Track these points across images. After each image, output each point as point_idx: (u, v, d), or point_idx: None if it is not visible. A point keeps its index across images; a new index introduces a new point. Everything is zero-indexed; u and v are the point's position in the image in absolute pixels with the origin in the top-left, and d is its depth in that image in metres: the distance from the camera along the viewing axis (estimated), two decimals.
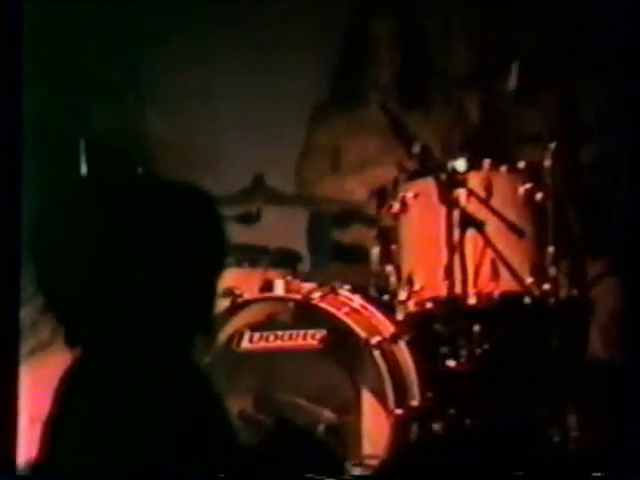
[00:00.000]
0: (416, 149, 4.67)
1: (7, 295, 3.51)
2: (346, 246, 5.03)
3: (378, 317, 4.51)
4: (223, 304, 4.32)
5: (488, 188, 4.52)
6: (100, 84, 5.09)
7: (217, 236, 2.17)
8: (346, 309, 4.47)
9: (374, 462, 4.20)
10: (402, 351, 4.45)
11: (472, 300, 4.47)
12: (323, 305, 4.47)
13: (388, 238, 4.66)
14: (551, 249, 4.47)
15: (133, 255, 2.06)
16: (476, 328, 4.47)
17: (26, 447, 3.59)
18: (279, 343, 4.35)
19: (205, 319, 2.18)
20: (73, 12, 5.11)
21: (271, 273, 4.67)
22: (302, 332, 4.34)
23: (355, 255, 4.94)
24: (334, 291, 4.53)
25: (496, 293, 4.47)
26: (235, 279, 4.55)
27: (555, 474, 2.64)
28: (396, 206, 4.60)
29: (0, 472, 2.82)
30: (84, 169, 4.81)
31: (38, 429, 2.67)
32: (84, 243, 2.06)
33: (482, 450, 3.46)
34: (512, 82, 4.65)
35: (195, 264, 2.12)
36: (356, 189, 4.95)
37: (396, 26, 5.07)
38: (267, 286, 4.57)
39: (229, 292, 4.43)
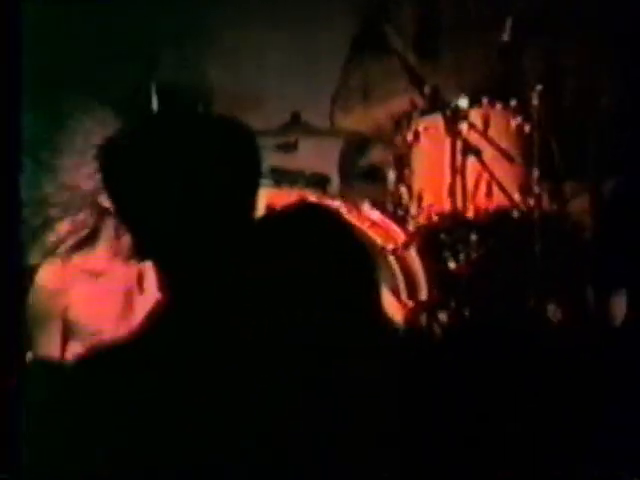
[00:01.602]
0: (427, 90, 4.71)
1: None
2: (368, 170, 5.01)
3: (393, 228, 4.49)
4: None
5: (485, 122, 4.54)
6: (169, 39, 5.08)
7: (255, 161, 2.15)
8: (367, 222, 4.45)
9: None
10: (412, 256, 4.44)
11: (470, 214, 4.50)
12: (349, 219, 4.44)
13: (402, 163, 4.67)
14: (536, 172, 4.48)
15: (193, 174, 2.05)
16: (473, 237, 4.49)
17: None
18: None
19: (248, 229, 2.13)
20: None
21: (305, 193, 4.62)
22: None
23: (375, 177, 4.93)
24: (357, 207, 4.51)
25: (490, 208, 4.51)
26: (275, 197, 4.47)
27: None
28: (410, 137, 4.62)
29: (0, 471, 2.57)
30: (155, 106, 4.83)
31: None
32: (156, 166, 2.06)
33: (477, 334, 3.49)
34: (506, 34, 4.62)
35: (239, 182, 2.10)
36: (378, 122, 4.96)
37: None
38: None
39: (270, 207, 4.43)
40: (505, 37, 4.65)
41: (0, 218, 2.81)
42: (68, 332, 3.47)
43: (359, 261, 2.14)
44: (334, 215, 2.19)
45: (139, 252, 2.12)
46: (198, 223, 2.05)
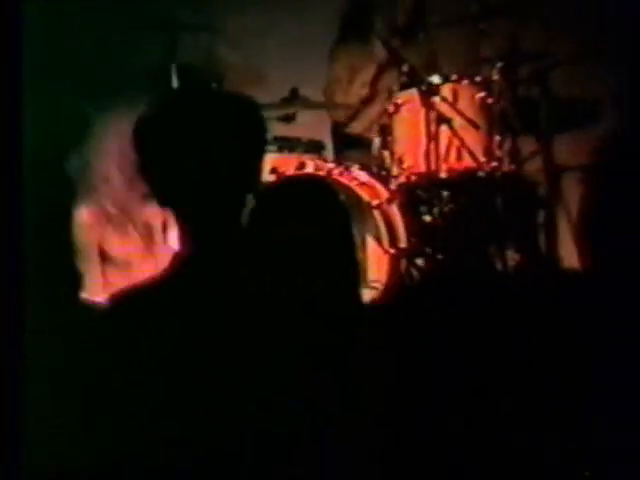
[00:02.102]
0: (405, 68, 4.71)
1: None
2: (356, 137, 5.04)
3: (378, 187, 4.55)
4: (270, 178, 4.26)
5: (455, 96, 4.56)
6: (185, 26, 5.07)
7: (261, 130, 2.15)
8: (356, 182, 4.52)
9: (377, 285, 4.26)
10: (394, 210, 4.49)
11: (443, 174, 4.52)
12: (340, 179, 4.50)
13: (385, 132, 4.66)
14: (497, 137, 4.55)
15: (209, 141, 2.07)
16: (445, 194, 4.54)
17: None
18: None
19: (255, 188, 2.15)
20: None
21: (304, 157, 4.64)
22: None
23: (362, 144, 4.94)
24: (348, 169, 4.57)
25: (460, 169, 4.54)
26: (278, 162, 4.56)
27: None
28: (391, 109, 4.63)
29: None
30: (175, 84, 4.88)
31: None
32: (179, 136, 2.07)
33: (448, 277, 3.50)
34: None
35: (247, 148, 2.11)
36: (363, 97, 4.99)
37: None
38: (301, 166, 4.57)
39: (274, 170, 4.45)
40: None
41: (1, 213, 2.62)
42: (105, 260, 3.48)
43: (342, 226, 2.16)
44: (325, 187, 2.20)
45: (163, 205, 2.12)
46: (212, 183, 2.07)
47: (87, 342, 2.01)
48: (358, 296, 2.17)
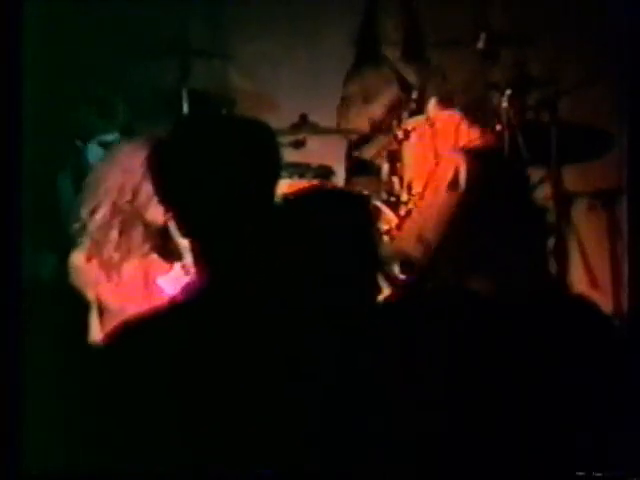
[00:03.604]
0: (414, 95, 4.73)
1: None
2: (365, 163, 5.02)
3: (387, 212, 4.50)
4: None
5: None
6: (198, 53, 5.09)
7: (275, 155, 2.13)
8: None
9: None
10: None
11: None
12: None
13: (394, 158, 4.63)
14: None
15: (222, 165, 2.06)
16: None
17: None
18: None
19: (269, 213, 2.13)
20: None
21: (313, 182, 4.59)
22: None
23: (371, 170, 4.93)
24: None
25: None
26: (288, 188, 4.52)
27: None
28: (400, 135, 4.59)
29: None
30: (186, 110, 4.87)
31: None
32: (193, 162, 2.06)
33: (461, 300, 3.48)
34: (480, 45, 4.63)
35: (261, 173, 2.09)
36: (373, 122, 4.99)
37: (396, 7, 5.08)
38: None
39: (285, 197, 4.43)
40: (479, 47, 4.66)
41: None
42: (102, 309, 3.48)
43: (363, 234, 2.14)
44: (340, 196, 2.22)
45: (180, 231, 2.11)
46: (228, 208, 2.06)
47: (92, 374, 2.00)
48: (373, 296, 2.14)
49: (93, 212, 3.32)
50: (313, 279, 2.06)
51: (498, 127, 4.53)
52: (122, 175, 3.31)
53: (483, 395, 2.02)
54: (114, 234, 3.32)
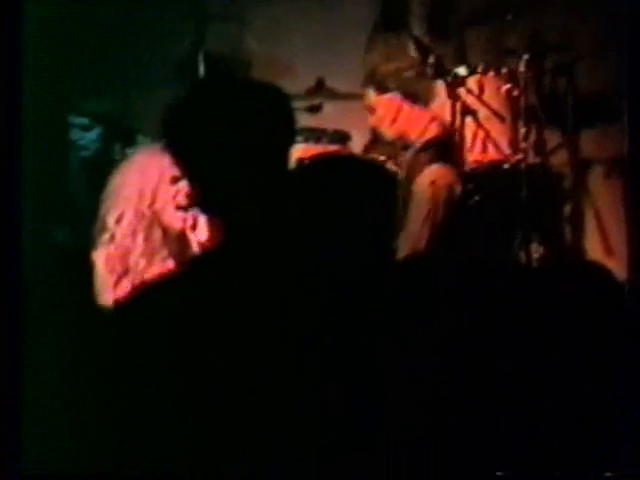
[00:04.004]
0: (431, 60, 4.69)
1: None
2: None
3: None
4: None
5: (480, 87, 4.53)
6: (214, 17, 5.06)
7: (289, 119, 2.12)
8: None
9: None
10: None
11: (468, 166, 4.47)
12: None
13: None
14: (523, 129, 4.47)
15: (237, 128, 2.05)
16: (470, 185, 4.45)
17: None
18: None
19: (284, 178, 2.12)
20: None
21: (329, 147, 4.58)
22: None
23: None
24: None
25: (484, 160, 4.49)
26: (304, 152, 4.35)
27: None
28: None
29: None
30: (202, 71, 4.85)
31: None
32: (209, 126, 2.05)
33: (474, 266, 3.48)
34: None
35: (275, 137, 2.09)
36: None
37: None
38: None
39: (300, 161, 4.41)
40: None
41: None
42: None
43: (384, 197, 2.13)
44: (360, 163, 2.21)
45: (197, 197, 2.10)
46: (243, 172, 2.05)
47: (91, 343, 1.99)
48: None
49: (119, 220, 3.34)
50: (326, 246, 2.04)
51: (515, 92, 4.49)
52: (140, 179, 3.30)
53: (494, 361, 2.02)
54: (140, 240, 3.34)
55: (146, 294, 2.01)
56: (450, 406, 1.97)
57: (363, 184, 2.10)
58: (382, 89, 4.57)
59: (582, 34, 4.78)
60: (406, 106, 4.56)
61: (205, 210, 2.15)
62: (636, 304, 2.13)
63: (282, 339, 1.93)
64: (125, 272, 3.33)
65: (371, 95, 4.59)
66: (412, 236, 4.25)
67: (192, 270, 2.08)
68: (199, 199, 2.10)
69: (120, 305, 2.04)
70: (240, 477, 1.87)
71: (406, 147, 4.56)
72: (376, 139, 4.77)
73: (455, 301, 2.06)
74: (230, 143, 2.04)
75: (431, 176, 4.36)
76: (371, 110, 4.60)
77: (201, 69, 4.87)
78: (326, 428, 1.89)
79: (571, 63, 4.67)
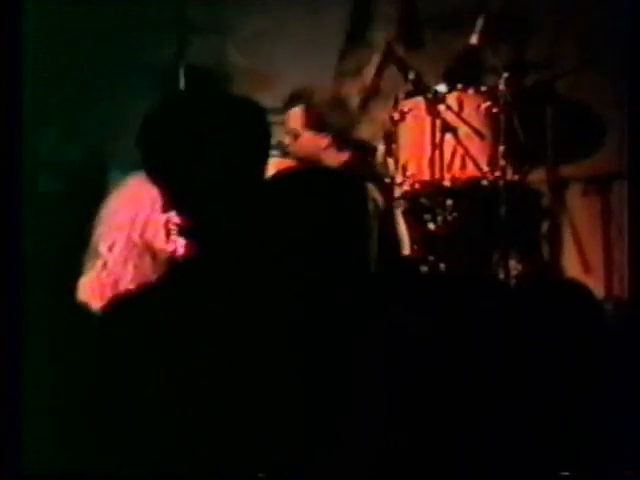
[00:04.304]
0: (411, 76, 4.67)
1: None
2: (361, 143, 4.97)
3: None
4: None
5: (460, 104, 4.52)
6: (196, 29, 5.05)
7: (265, 133, 2.10)
8: None
9: None
10: (398, 217, 4.43)
11: (447, 182, 4.47)
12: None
13: (390, 139, 4.61)
14: (502, 147, 4.47)
15: (211, 142, 2.04)
16: (449, 202, 4.49)
17: None
18: None
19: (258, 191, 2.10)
20: None
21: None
22: None
23: (367, 150, 4.79)
24: None
25: (463, 177, 4.49)
26: (281, 166, 4.50)
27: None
28: (396, 116, 4.58)
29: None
30: (182, 85, 4.83)
31: None
32: (184, 138, 2.04)
33: (451, 280, 3.49)
34: (477, 28, 4.62)
35: (250, 152, 2.07)
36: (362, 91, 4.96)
37: None
38: None
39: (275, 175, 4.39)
40: (476, 34, 4.65)
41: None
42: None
43: (354, 212, 2.11)
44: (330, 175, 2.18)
45: (171, 205, 2.09)
46: (216, 184, 2.04)
47: (86, 346, 1.98)
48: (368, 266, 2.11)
49: (111, 248, 3.37)
50: (301, 259, 2.03)
51: (495, 109, 4.50)
52: (133, 208, 3.31)
53: (470, 377, 2.02)
54: (130, 267, 3.37)
55: (127, 301, 2.02)
56: (426, 423, 1.97)
57: (334, 195, 2.07)
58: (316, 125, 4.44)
59: (562, 52, 4.81)
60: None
61: (180, 216, 2.11)
62: (614, 320, 2.14)
63: (262, 347, 1.93)
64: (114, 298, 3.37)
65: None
66: None
67: (170, 279, 2.07)
68: (175, 205, 2.09)
69: (104, 311, 2.03)
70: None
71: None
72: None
73: (434, 316, 2.07)
74: (204, 156, 2.03)
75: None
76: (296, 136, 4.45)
77: (182, 81, 4.86)
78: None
79: (551, 81, 4.70)
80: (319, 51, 5.26)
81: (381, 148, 4.66)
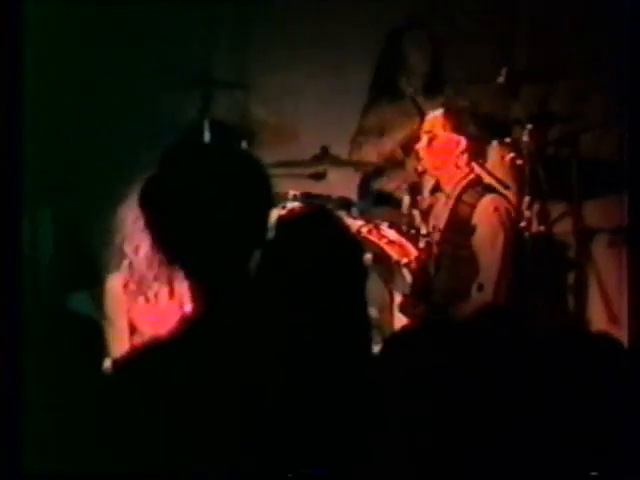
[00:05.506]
0: None
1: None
2: (386, 195, 5.00)
3: (406, 245, 4.44)
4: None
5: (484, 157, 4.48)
6: (219, 83, 5.09)
7: (265, 186, 2.08)
8: (385, 240, 4.42)
9: None
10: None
11: None
12: (369, 237, 4.41)
13: (415, 190, 4.60)
14: (527, 198, 4.45)
15: (211, 197, 2.03)
16: None
17: None
18: None
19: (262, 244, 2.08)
20: None
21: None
22: None
23: (392, 202, 4.90)
24: (377, 227, 4.46)
25: None
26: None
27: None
28: (420, 168, 4.50)
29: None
30: (207, 138, 4.85)
31: None
32: (186, 192, 2.03)
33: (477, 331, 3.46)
34: (501, 80, 4.62)
35: (250, 205, 2.05)
36: (394, 154, 4.98)
37: (424, 40, 5.09)
38: None
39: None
40: (500, 82, 4.65)
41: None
42: (133, 333, 3.62)
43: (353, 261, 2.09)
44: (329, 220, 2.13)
45: (171, 262, 2.08)
46: (219, 240, 2.03)
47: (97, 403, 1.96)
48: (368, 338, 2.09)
49: (137, 250, 3.43)
50: (308, 306, 2.01)
51: (519, 161, 4.49)
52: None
53: (496, 429, 2.00)
54: (155, 266, 3.43)
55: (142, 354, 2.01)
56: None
57: (332, 251, 2.05)
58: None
59: (587, 105, 4.81)
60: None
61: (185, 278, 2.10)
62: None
63: (269, 399, 1.92)
64: (139, 292, 3.53)
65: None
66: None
67: (178, 337, 2.04)
68: (176, 262, 2.08)
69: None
70: None
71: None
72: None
73: (458, 367, 2.05)
74: (204, 212, 2.02)
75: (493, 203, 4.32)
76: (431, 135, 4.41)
77: (207, 136, 4.89)
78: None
79: (576, 133, 4.69)
80: (343, 105, 5.29)
81: (406, 199, 4.62)
